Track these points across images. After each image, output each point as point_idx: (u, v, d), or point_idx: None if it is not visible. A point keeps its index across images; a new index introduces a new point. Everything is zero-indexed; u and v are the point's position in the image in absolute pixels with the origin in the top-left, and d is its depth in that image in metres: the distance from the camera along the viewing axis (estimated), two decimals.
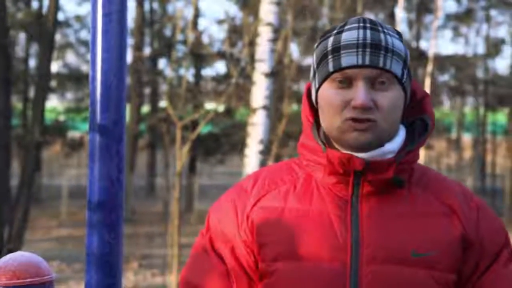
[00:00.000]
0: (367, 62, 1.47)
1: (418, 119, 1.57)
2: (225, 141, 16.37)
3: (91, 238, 1.39)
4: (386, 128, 1.49)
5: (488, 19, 23.19)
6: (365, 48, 1.47)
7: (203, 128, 10.45)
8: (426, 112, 1.57)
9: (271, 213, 1.53)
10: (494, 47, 23.59)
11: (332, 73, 1.50)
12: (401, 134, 1.55)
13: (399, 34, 1.55)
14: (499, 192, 21.57)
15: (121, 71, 1.40)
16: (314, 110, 1.58)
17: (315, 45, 1.58)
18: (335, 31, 1.53)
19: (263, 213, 1.54)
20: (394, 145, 1.52)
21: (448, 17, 23.22)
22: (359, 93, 1.46)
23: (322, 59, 1.52)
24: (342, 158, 1.47)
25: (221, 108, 10.39)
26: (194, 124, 11.10)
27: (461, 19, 23.95)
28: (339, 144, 1.52)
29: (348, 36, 1.49)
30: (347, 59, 1.48)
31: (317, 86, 1.54)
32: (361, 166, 1.47)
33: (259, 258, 1.53)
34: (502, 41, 23.76)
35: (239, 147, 16.54)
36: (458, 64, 23.19)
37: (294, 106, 14.49)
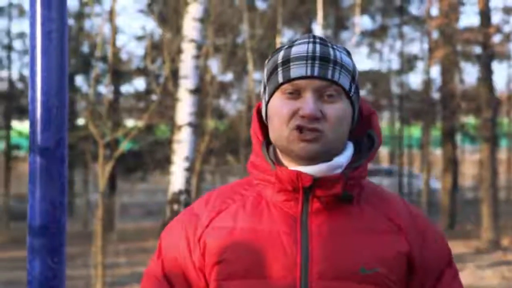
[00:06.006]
0: (316, 73, 1.48)
1: (364, 136, 1.59)
2: (146, 158, 16.17)
3: (33, 263, 1.34)
4: (334, 139, 1.49)
5: (401, 35, 23.82)
6: (314, 61, 1.49)
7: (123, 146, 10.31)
8: (372, 128, 1.58)
9: (222, 233, 1.53)
10: (408, 63, 24.22)
11: (282, 84, 1.51)
12: (349, 149, 1.55)
13: (347, 51, 1.57)
14: (417, 202, 22.11)
15: (62, 91, 1.36)
16: (264, 129, 1.58)
17: (266, 60, 1.59)
18: (285, 46, 1.55)
19: (215, 233, 1.54)
20: (342, 159, 1.52)
21: (364, 34, 23.71)
22: (307, 102, 1.47)
23: (272, 72, 1.54)
24: (291, 175, 1.47)
25: (141, 125, 10.28)
26: (115, 142, 10.93)
27: (376, 35, 24.52)
28: (287, 156, 1.52)
29: (298, 49, 1.51)
30: (296, 71, 1.49)
31: (267, 99, 1.55)
32: (310, 182, 1.47)
33: (209, 278, 1.53)
34: (415, 57, 24.40)
35: (160, 164, 16.35)
36: (374, 79, 23.72)
37: (216, 123, 14.48)
